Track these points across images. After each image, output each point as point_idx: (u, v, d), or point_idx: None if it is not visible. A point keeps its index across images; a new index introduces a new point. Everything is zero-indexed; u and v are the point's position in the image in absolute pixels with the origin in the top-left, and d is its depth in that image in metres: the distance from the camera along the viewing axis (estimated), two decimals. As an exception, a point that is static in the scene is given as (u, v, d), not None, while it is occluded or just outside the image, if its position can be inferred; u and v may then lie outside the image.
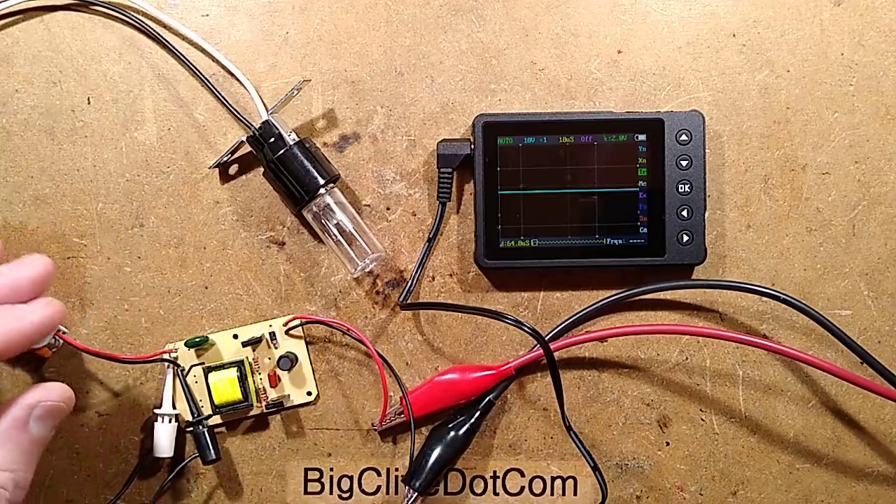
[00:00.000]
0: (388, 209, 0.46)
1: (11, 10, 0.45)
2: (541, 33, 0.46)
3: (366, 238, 0.44)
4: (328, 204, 0.44)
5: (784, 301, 0.44)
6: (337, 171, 0.45)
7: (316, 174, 0.43)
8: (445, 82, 0.46)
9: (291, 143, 0.43)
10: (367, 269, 0.45)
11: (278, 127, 0.43)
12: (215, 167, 0.45)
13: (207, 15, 0.45)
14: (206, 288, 0.46)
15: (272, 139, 0.43)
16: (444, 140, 0.45)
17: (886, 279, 0.46)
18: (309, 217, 0.44)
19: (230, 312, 0.46)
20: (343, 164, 0.46)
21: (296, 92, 0.44)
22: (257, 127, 0.43)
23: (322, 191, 0.43)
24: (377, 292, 0.46)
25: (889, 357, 0.45)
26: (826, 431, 0.46)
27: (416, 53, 0.46)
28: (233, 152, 0.44)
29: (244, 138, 0.44)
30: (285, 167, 0.43)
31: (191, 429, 0.44)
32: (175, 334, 0.45)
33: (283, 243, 0.46)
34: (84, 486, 0.46)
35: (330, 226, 0.44)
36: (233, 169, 0.45)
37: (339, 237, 0.44)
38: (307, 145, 0.43)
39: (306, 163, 0.43)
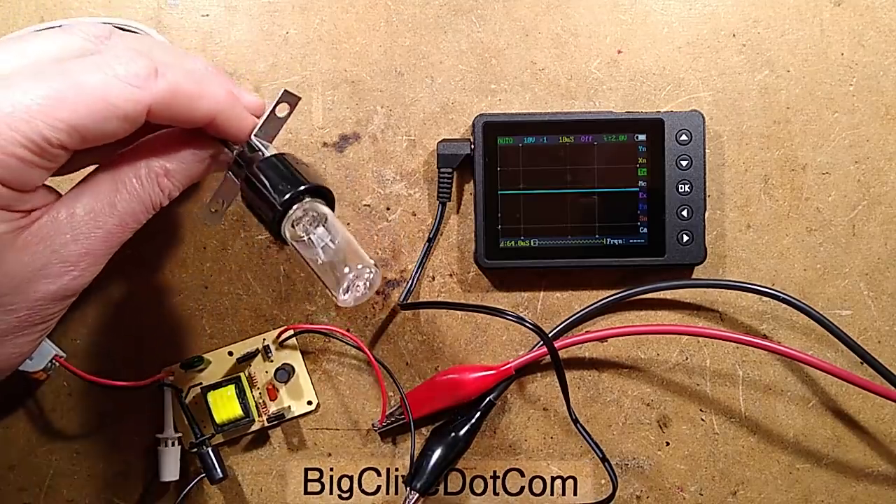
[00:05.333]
0: (388, 209, 0.46)
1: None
2: (541, 33, 0.46)
3: (345, 264, 0.35)
4: (293, 245, 0.35)
5: (784, 301, 0.44)
6: (306, 187, 0.34)
7: (268, 206, 0.33)
8: (445, 82, 0.46)
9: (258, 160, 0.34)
10: (358, 295, 0.36)
11: (256, 147, 0.35)
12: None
13: (207, 15, 0.45)
14: (206, 288, 0.46)
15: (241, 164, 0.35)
16: (444, 140, 0.45)
17: (886, 279, 0.46)
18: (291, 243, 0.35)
19: (230, 312, 0.46)
20: (343, 164, 0.46)
21: (284, 111, 0.36)
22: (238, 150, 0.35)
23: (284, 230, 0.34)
24: (377, 292, 0.46)
25: (889, 357, 0.45)
26: (826, 431, 0.46)
27: (416, 53, 0.45)
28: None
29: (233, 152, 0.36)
30: (251, 193, 0.34)
31: (195, 449, 0.44)
32: (175, 334, 0.45)
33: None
34: (84, 486, 0.46)
35: (306, 258, 0.35)
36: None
37: (315, 269, 0.35)
38: (275, 160, 0.34)
39: (264, 189, 0.34)
